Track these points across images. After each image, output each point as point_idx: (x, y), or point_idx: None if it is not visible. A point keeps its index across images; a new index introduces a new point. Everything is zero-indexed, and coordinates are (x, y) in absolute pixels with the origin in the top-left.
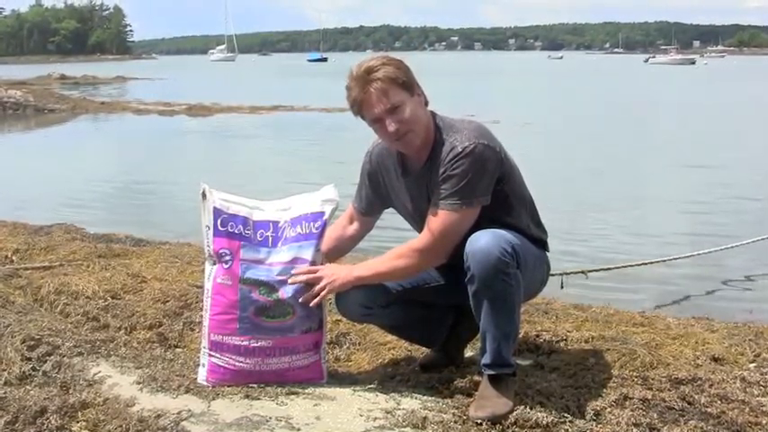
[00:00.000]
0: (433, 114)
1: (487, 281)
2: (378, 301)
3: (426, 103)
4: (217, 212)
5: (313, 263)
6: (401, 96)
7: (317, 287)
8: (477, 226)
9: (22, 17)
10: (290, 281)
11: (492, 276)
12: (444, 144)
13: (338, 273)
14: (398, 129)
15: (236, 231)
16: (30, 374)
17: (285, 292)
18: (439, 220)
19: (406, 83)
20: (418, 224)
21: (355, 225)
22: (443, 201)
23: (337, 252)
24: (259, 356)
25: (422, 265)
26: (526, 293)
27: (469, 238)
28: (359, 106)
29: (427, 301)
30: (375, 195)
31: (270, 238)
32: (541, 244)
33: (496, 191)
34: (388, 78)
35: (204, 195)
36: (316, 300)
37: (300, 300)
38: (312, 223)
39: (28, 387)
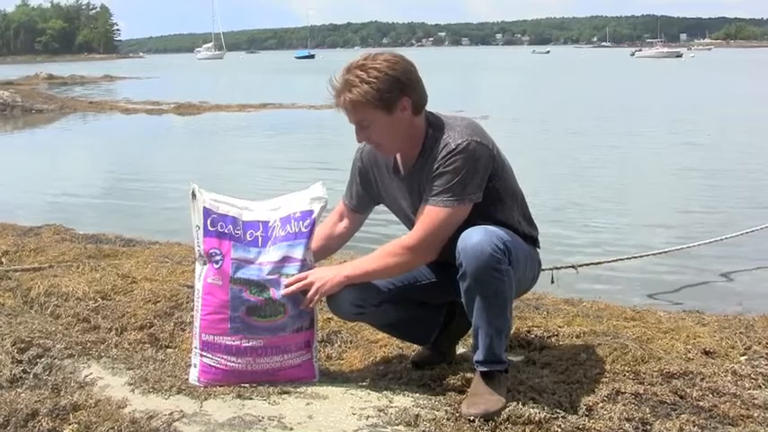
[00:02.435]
0: (425, 111)
1: (480, 277)
2: (370, 300)
3: (419, 109)
4: (207, 212)
5: (303, 261)
6: (371, 115)
7: (311, 292)
8: (469, 222)
9: (9, 17)
10: (282, 293)
11: (484, 273)
12: (437, 141)
13: (327, 276)
14: (367, 142)
15: (225, 231)
16: (20, 377)
17: (276, 292)
18: (430, 217)
19: (382, 103)
20: (410, 221)
21: (345, 222)
22: (435, 198)
23: (327, 250)
24: (250, 356)
25: (412, 262)
26: (517, 290)
27: (461, 235)
28: (337, 108)
29: (419, 298)
30: (366, 192)
31: (260, 238)
32: (532, 240)
33: (488, 187)
34: (358, 102)
35: (194, 195)
36: (310, 305)
37: (301, 307)
38: (301, 222)
39: (19, 390)
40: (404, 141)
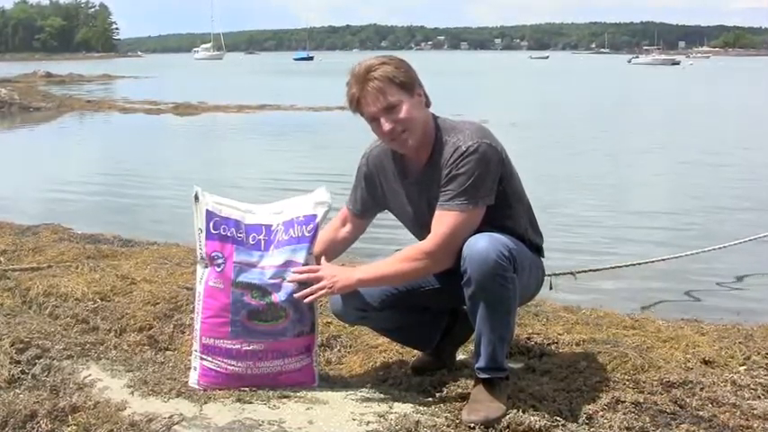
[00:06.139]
0: (434, 116)
1: (485, 284)
2: (373, 305)
3: (428, 104)
4: (209, 215)
5: (305, 266)
6: (398, 96)
7: (316, 286)
8: (477, 229)
9: (7, 14)
10: (288, 279)
11: (489, 280)
12: (446, 144)
13: (339, 274)
14: (393, 128)
15: (228, 234)
16: (19, 378)
17: (278, 296)
18: (446, 221)
19: (405, 83)
20: (417, 227)
21: (348, 227)
22: (450, 201)
23: (329, 255)
24: (251, 360)
25: (429, 268)
26: (521, 298)
27: (467, 242)
28: (357, 103)
29: (422, 304)
30: (370, 198)
31: (262, 242)
32: (536, 249)
33: (497, 191)
34: (386, 78)
35: (197, 198)
36: (310, 298)
37: (296, 295)
38: (304, 226)
39: (17, 391)
40: (422, 132)
